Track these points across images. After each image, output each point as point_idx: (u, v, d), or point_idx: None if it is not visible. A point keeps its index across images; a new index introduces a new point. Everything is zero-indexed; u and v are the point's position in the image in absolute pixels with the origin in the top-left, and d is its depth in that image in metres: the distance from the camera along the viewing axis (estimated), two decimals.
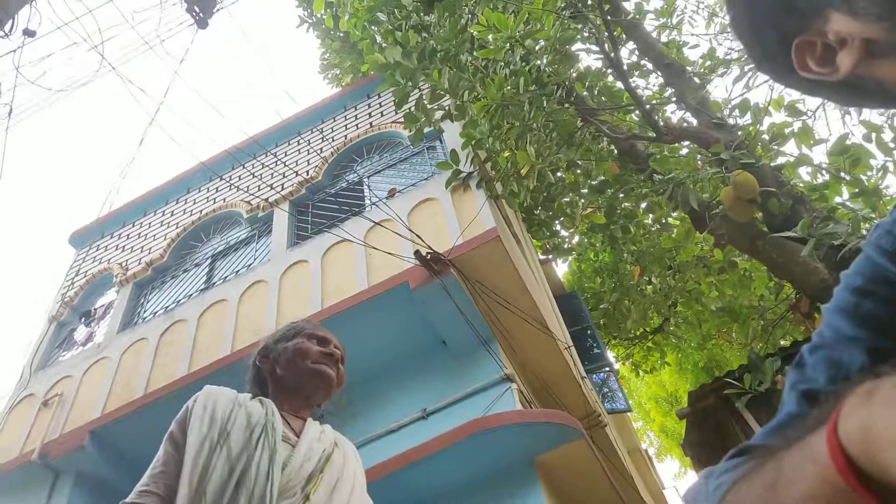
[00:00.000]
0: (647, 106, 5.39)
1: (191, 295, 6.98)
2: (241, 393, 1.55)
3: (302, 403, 1.58)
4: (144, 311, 7.28)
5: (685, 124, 5.33)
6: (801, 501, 0.41)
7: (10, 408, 6.58)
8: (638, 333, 11.06)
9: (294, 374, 1.56)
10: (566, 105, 5.81)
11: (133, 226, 8.78)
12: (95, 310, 7.75)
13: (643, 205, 7.34)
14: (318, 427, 1.54)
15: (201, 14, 6.63)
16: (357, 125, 8.05)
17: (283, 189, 7.49)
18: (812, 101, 5.51)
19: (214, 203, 8.21)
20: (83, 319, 7.63)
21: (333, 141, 7.95)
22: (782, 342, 7.15)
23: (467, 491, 4.32)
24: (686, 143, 6.07)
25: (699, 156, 5.30)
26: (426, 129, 6.58)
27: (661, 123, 5.32)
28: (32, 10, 4.76)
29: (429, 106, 6.04)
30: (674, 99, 5.57)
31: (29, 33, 4.55)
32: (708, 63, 6.06)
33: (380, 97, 8.23)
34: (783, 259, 4.38)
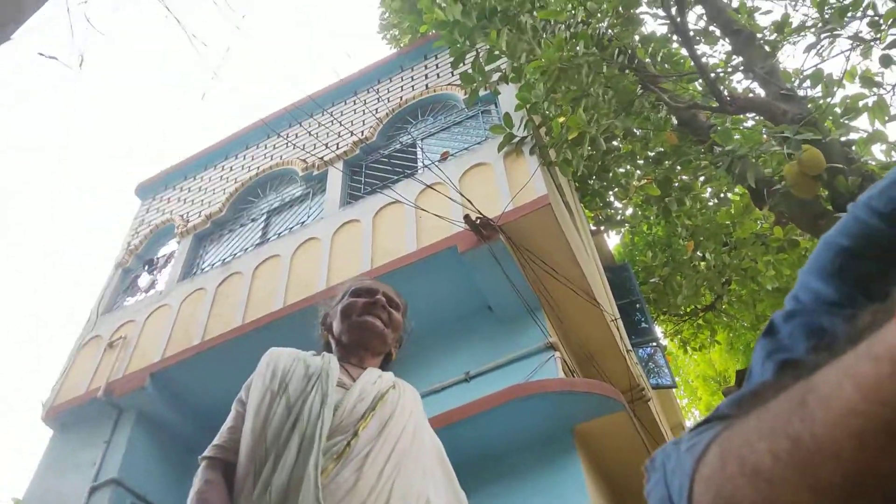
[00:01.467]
0: (713, 74, 5.19)
1: (247, 249, 7.20)
2: (303, 352, 1.63)
3: (364, 356, 1.64)
4: (203, 263, 7.56)
5: (751, 94, 5.11)
6: (848, 413, 0.29)
7: (79, 348, 7.00)
8: (689, 310, 10.85)
9: (345, 332, 1.63)
10: (626, 71, 5.64)
11: (194, 179, 9.06)
12: (158, 259, 8.09)
13: (701, 178, 7.13)
14: (376, 372, 1.59)
15: None
16: (413, 86, 8.02)
17: (337, 148, 7.58)
18: (890, 75, 5.19)
19: (272, 160, 8.38)
20: (146, 267, 7.98)
21: (389, 102, 7.96)
22: None
23: (506, 454, 4.39)
24: (751, 114, 5.84)
25: (764, 129, 5.08)
26: (482, 92, 6.52)
27: (726, 93, 5.12)
28: None
29: (486, 67, 5.97)
30: (741, 68, 5.34)
31: None
32: (781, 31, 5.77)
33: (437, 58, 8.16)
34: None
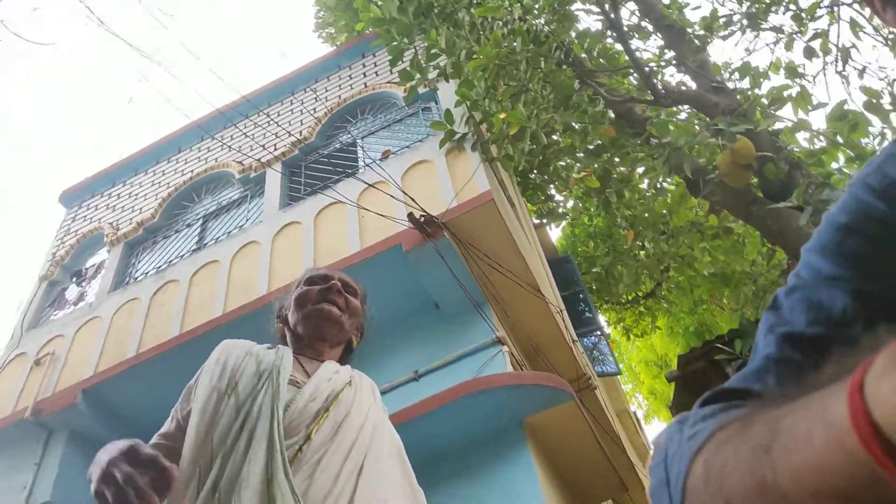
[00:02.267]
0: (647, 69, 5.31)
1: (182, 255, 6.94)
2: (260, 345, 1.53)
3: (322, 347, 1.56)
4: (136, 271, 7.24)
5: (684, 88, 5.25)
6: (804, 471, 0.33)
7: (2, 366, 6.59)
8: (630, 298, 11.13)
9: (300, 321, 1.55)
10: (564, 66, 5.71)
11: (123, 185, 8.67)
12: (86, 269, 7.70)
13: (639, 170, 7.30)
14: (333, 367, 1.50)
15: None
16: (351, 85, 7.90)
17: (275, 150, 7.39)
18: (812, 66, 5.43)
19: (206, 163, 8.10)
20: (74, 279, 7.59)
21: (327, 101, 7.81)
22: None
23: (458, 452, 4.38)
24: (685, 107, 6.00)
25: (697, 121, 5.24)
26: (421, 90, 6.48)
27: (660, 87, 5.25)
28: None
29: (424, 64, 5.93)
30: (673, 62, 5.48)
31: None
32: (709, 25, 5.95)
33: (375, 56, 8.06)
34: (777, 226, 4.37)
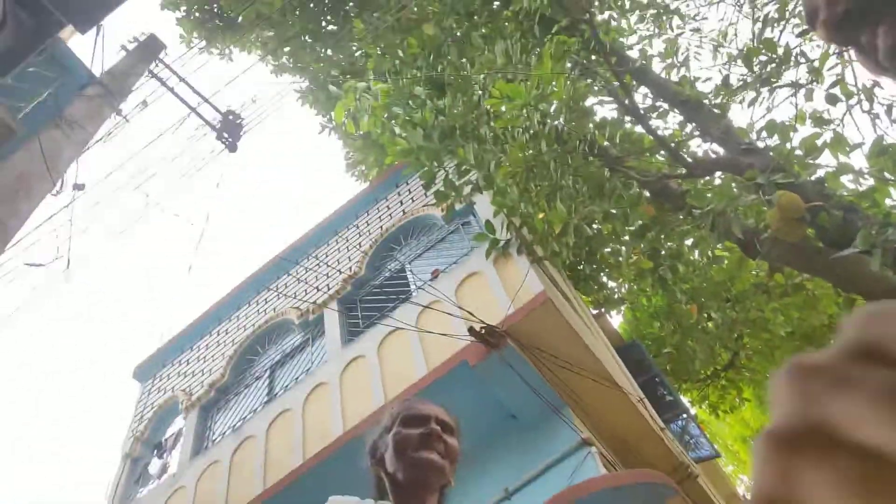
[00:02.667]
0: (672, 144, 5.41)
1: (256, 409, 7.02)
2: (364, 500, 1.49)
3: (424, 495, 1.49)
4: (213, 434, 7.33)
5: (713, 156, 5.30)
6: None
7: None
8: (708, 373, 10.64)
9: (402, 470, 1.48)
10: (591, 158, 5.86)
11: (192, 350, 8.98)
12: (166, 440, 7.83)
13: (687, 242, 7.22)
14: None
15: (230, 139, 7.00)
16: (391, 215, 8.23)
17: (329, 289, 7.61)
18: (836, 110, 5.44)
19: (266, 314, 8.38)
20: (155, 452, 7.71)
21: (370, 234, 8.12)
22: None
23: None
24: (719, 174, 6.03)
25: (734, 184, 5.23)
26: (458, 206, 6.70)
27: (689, 159, 5.31)
28: (79, 165, 5.10)
29: (456, 182, 6.17)
30: (697, 133, 5.58)
31: (79, 188, 4.87)
32: (723, 93, 6.09)
33: (408, 184, 8.44)
34: (846, 273, 4.23)
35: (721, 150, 5.21)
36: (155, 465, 7.53)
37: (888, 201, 4.66)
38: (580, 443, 4.91)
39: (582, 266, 9.26)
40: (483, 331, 5.05)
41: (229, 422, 7.27)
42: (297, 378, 7.00)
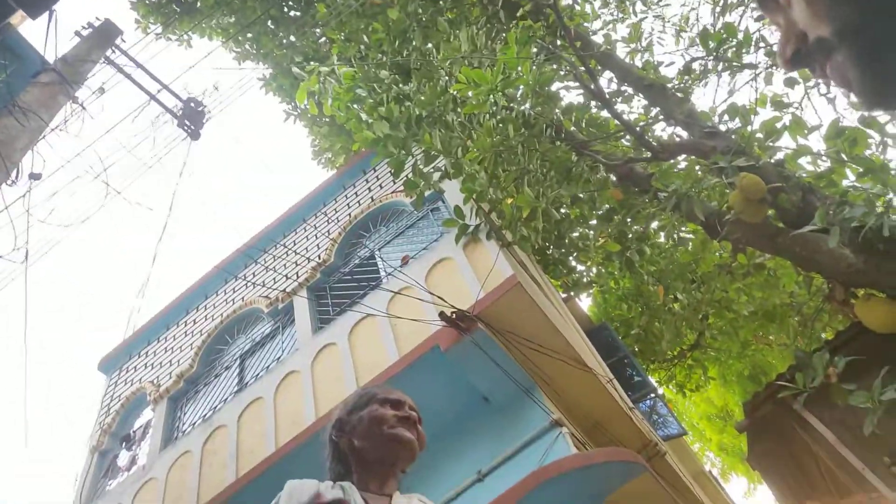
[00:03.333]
0: (637, 128, 5.47)
1: (226, 399, 6.96)
2: (322, 482, 1.46)
3: (387, 475, 1.50)
4: (183, 424, 7.25)
5: (678, 139, 5.39)
6: None
7: None
8: (675, 353, 10.87)
9: (373, 444, 1.48)
10: (558, 143, 5.90)
11: (158, 341, 8.84)
12: (134, 432, 7.72)
13: (653, 224, 7.34)
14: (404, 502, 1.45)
15: (192, 127, 6.87)
16: (359, 202, 8.18)
17: (298, 277, 7.56)
18: (795, 94, 5.57)
19: (234, 304, 8.28)
20: (124, 444, 7.59)
21: (339, 221, 8.07)
22: (824, 335, 7.00)
23: None
24: (683, 157, 6.13)
25: (698, 167, 5.33)
26: (427, 193, 6.69)
27: (654, 143, 5.39)
28: (35, 154, 4.96)
29: (425, 169, 6.16)
30: (661, 117, 5.66)
31: (35, 177, 4.73)
32: (686, 77, 6.18)
33: (375, 171, 8.39)
34: (806, 251, 4.34)
35: (685, 134, 5.29)
36: (124, 458, 7.43)
37: (844, 182, 4.80)
38: (551, 424, 4.99)
39: (551, 250, 9.34)
40: (454, 315, 5.08)
41: (199, 412, 7.19)
42: (267, 367, 6.95)
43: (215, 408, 6.97)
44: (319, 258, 7.65)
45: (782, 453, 5.74)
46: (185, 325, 8.70)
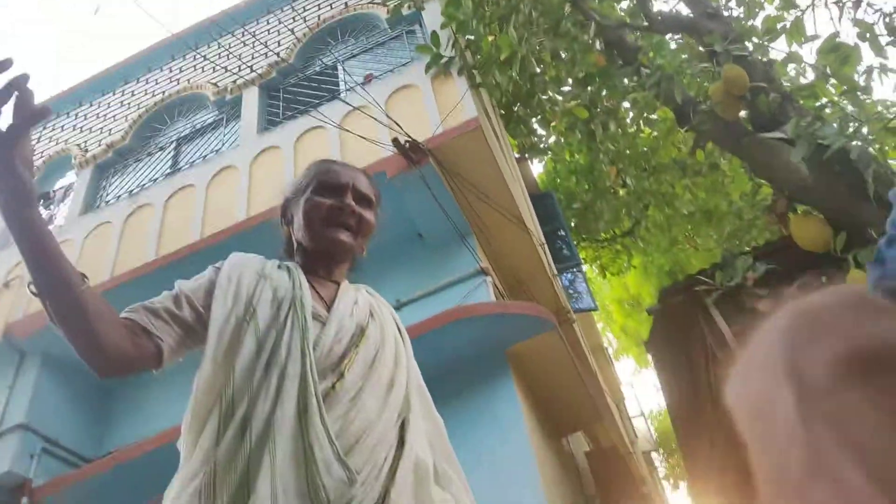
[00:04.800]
0: None
1: (156, 179, 6.72)
2: (269, 260, 1.38)
3: (331, 265, 1.41)
4: (107, 195, 7.01)
5: (678, 14, 5.10)
6: None
7: None
8: (608, 236, 11.19)
9: (309, 237, 1.39)
10: None
11: (91, 105, 8.29)
12: (54, 192, 7.44)
13: (626, 103, 7.18)
14: (352, 294, 1.37)
15: None
16: (331, 5, 7.55)
17: (252, 71, 7.09)
18: None
19: (178, 84, 7.76)
20: (42, 201, 7.33)
21: (306, 21, 7.47)
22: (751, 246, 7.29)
23: (440, 379, 4.36)
24: (676, 36, 5.86)
25: (686, 55, 5.11)
26: (406, 11, 6.21)
27: (655, 13, 5.09)
28: None
29: None
30: None
31: None
32: None
33: None
34: (766, 159, 4.34)
35: (686, 11, 5.01)
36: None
37: (823, 100, 4.73)
38: (478, 270, 5.09)
39: (517, 108, 9.08)
40: (407, 144, 4.92)
41: (126, 186, 6.95)
42: (204, 156, 6.68)
43: (143, 185, 6.74)
44: (279, 56, 7.15)
45: (678, 341, 6.14)
46: (122, 95, 8.14)
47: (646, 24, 4.83)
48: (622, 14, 6.28)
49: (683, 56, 5.46)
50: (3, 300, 6.02)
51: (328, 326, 1.24)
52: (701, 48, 4.56)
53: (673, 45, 6.04)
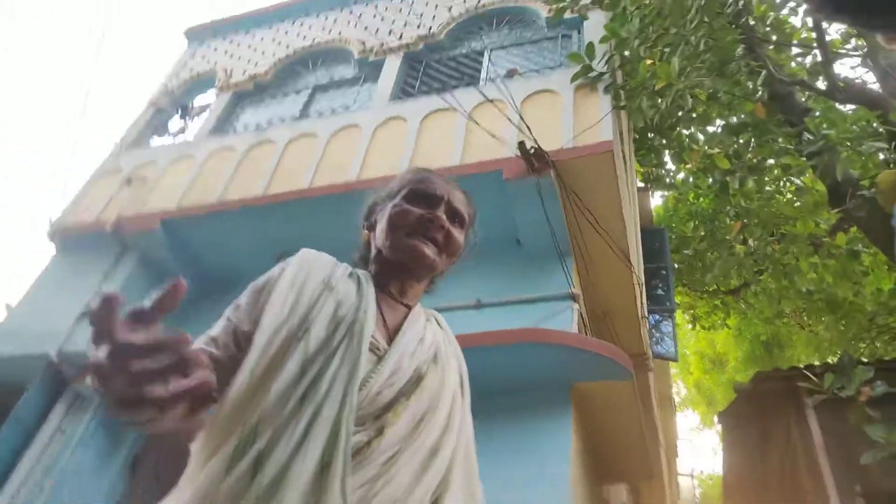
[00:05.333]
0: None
1: (284, 119, 6.90)
2: (341, 264, 1.25)
3: (407, 281, 1.28)
4: (237, 122, 7.29)
5: (865, 85, 4.61)
6: None
7: (99, 175, 6.86)
8: (711, 289, 10.57)
9: (390, 248, 1.26)
10: (732, 26, 5.10)
11: (245, 34, 8.62)
12: (193, 106, 7.82)
13: (771, 162, 6.66)
14: (420, 326, 1.22)
15: None
16: None
17: (400, 38, 7.10)
18: None
19: (329, 34, 7.91)
20: (180, 111, 7.73)
21: (466, 1, 7.38)
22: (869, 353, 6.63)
23: (497, 394, 4.21)
24: (850, 106, 5.32)
25: (876, 125, 4.60)
26: (568, 15, 6.00)
27: (836, 77, 4.62)
28: None
29: None
30: (860, 52, 4.80)
31: None
32: None
33: None
34: None
35: (875, 86, 4.51)
36: (175, 124, 7.62)
37: None
38: (567, 294, 4.87)
39: (652, 136, 8.67)
40: (532, 150, 4.74)
41: (256, 119, 7.19)
42: (334, 109, 6.79)
43: (271, 122, 6.94)
44: (430, 30, 7.12)
45: (759, 429, 5.69)
46: (276, 32, 8.41)
47: (824, 87, 4.39)
48: (797, 68, 5.78)
49: (854, 127, 4.95)
50: (122, 193, 6.39)
51: (383, 365, 1.08)
52: (880, 128, 4.09)
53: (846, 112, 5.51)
